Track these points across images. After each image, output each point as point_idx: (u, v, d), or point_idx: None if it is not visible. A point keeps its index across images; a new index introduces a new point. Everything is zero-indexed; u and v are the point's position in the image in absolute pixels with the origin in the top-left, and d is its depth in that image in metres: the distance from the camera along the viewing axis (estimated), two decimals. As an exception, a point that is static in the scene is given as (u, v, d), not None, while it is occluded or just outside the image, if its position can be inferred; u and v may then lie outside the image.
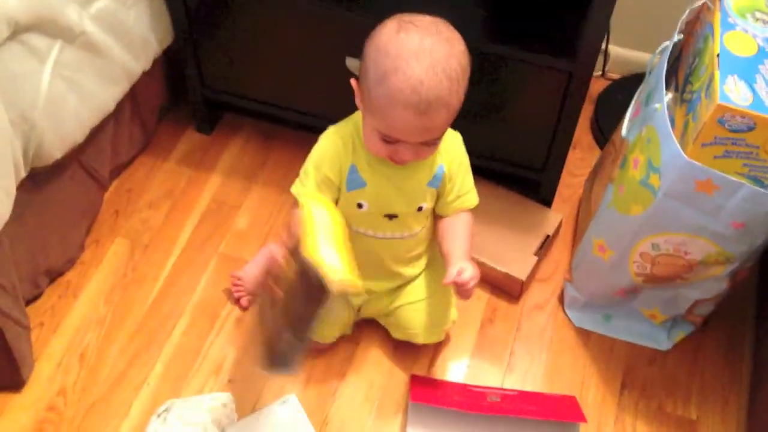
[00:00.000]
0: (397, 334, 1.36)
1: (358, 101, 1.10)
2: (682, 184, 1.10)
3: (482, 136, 1.42)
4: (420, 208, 1.20)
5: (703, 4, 1.24)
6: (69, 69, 1.30)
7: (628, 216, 1.23)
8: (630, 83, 1.56)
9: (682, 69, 1.25)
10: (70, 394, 1.32)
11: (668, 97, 1.18)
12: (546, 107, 1.38)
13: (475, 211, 1.24)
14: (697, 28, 1.25)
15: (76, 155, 1.41)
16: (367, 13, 1.34)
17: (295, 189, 1.18)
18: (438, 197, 1.22)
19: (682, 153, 1.08)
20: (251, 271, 1.43)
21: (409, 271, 1.31)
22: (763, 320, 1.40)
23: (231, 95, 1.62)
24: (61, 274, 1.46)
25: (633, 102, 1.35)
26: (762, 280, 1.47)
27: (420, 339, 1.34)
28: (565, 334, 1.44)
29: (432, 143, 1.08)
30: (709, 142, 1.05)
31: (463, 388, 1.34)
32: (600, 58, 1.75)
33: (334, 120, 1.19)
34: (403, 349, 1.38)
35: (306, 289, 1.03)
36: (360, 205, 1.18)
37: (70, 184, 1.42)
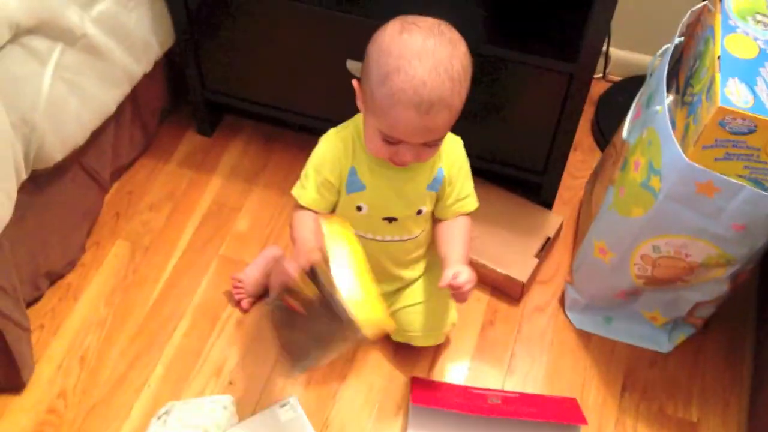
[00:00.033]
0: (397, 337, 1.36)
1: (359, 103, 1.10)
2: (683, 186, 1.10)
3: (483, 138, 1.42)
4: (419, 212, 1.20)
5: (704, 6, 1.24)
6: (70, 71, 1.30)
7: (628, 218, 1.23)
8: (631, 85, 1.56)
9: (683, 71, 1.25)
10: (70, 397, 1.32)
11: (669, 99, 1.18)
12: (547, 109, 1.38)
13: (475, 214, 1.24)
14: (697, 30, 1.25)
15: (77, 157, 1.41)
16: (368, 15, 1.34)
17: (296, 191, 1.18)
18: (437, 200, 1.22)
19: (683, 155, 1.08)
20: (252, 274, 1.43)
21: (408, 273, 1.31)
22: (764, 322, 1.40)
23: (232, 97, 1.63)
24: (61, 276, 1.46)
25: (634, 104, 1.35)
26: (763, 282, 1.46)
27: (420, 341, 1.34)
28: (566, 336, 1.44)
29: (433, 144, 1.08)
30: (710, 144, 1.05)
31: (464, 390, 1.34)
32: (601, 61, 1.76)
33: (335, 122, 1.19)
34: (404, 352, 1.38)
35: (329, 316, 1.03)
36: (359, 208, 1.18)
37: (71, 187, 1.42)
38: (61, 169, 1.36)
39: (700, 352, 1.42)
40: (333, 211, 1.21)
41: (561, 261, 1.53)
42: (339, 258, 1.03)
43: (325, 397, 1.33)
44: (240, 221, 1.57)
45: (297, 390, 1.33)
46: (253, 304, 1.44)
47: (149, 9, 1.46)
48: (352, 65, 1.40)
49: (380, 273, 1.27)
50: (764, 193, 1.06)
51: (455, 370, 1.39)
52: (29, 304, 1.39)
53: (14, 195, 1.21)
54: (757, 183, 1.07)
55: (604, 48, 1.75)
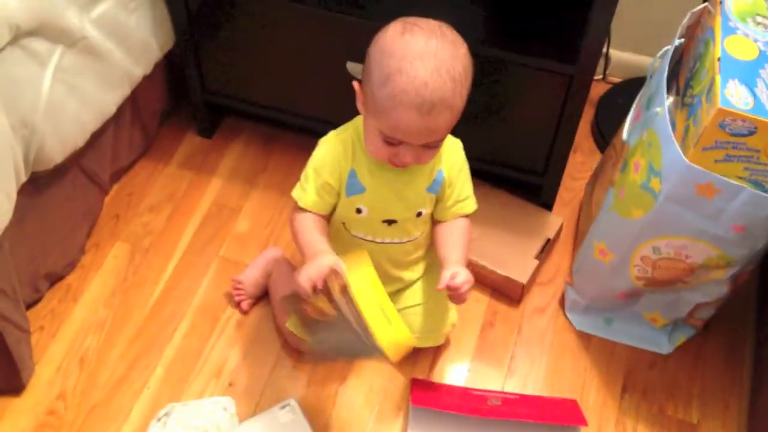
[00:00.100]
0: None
1: (359, 104, 1.10)
2: (683, 187, 1.10)
3: (483, 140, 1.42)
4: (419, 214, 1.20)
5: (704, 8, 1.24)
6: (70, 73, 1.30)
7: (628, 219, 1.23)
8: (631, 87, 1.56)
9: (683, 73, 1.25)
10: (70, 398, 1.32)
11: (669, 101, 1.18)
12: (547, 111, 1.38)
13: (475, 215, 1.24)
14: (698, 32, 1.25)
15: (76, 159, 1.41)
16: (368, 17, 1.34)
17: (296, 193, 1.18)
18: (437, 202, 1.22)
19: (683, 157, 1.08)
20: (252, 275, 1.43)
21: (408, 275, 1.31)
22: (764, 324, 1.40)
23: (232, 99, 1.63)
24: (61, 277, 1.46)
25: (634, 106, 1.35)
26: (763, 283, 1.46)
27: (420, 343, 1.34)
28: (566, 337, 1.44)
29: (434, 146, 1.08)
30: (710, 146, 1.05)
31: (464, 392, 1.34)
32: (601, 62, 1.76)
33: (335, 124, 1.19)
34: (404, 353, 1.38)
35: (349, 332, 1.05)
36: (359, 210, 1.18)
37: (71, 188, 1.42)
38: (60, 170, 1.36)
39: (700, 354, 1.42)
40: (332, 212, 1.21)
41: (561, 262, 1.53)
42: (361, 287, 1.04)
43: (325, 398, 1.33)
44: (240, 222, 1.57)
45: (297, 391, 1.33)
46: (253, 305, 1.44)
47: (149, 10, 1.46)
48: (352, 67, 1.40)
49: (380, 275, 1.27)
50: (764, 194, 1.06)
51: (455, 372, 1.39)
52: (29, 306, 1.39)
53: (14, 197, 1.21)
54: (757, 184, 1.07)
55: (604, 49, 1.75)
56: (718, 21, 1.13)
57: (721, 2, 1.16)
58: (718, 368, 1.40)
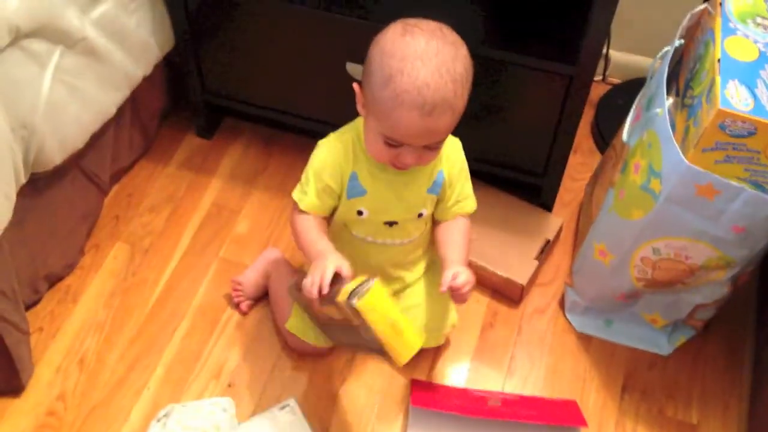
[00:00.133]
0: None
1: (359, 106, 1.10)
2: (683, 188, 1.10)
3: (483, 141, 1.42)
4: (420, 215, 1.20)
5: (704, 9, 1.24)
6: (70, 74, 1.30)
7: (628, 220, 1.23)
8: (631, 88, 1.56)
9: (683, 74, 1.25)
10: (69, 399, 1.32)
11: (669, 102, 1.18)
12: (546, 112, 1.38)
13: (475, 216, 1.24)
14: (697, 33, 1.25)
15: (76, 160, 1.41)
16: (368, 17, 1.34)
17: (297, 195, 1.18)
18: (437, 202, 1.22)
19: (683, 158, 1.08)
20: (251, 276, 1.43)
21: (408, 275, 1.31)
22: (764, 325, 1.40)
23: (232, 100, 1.63)
24: (60, 278, 1.46)
25: (634, 107, 1.35)
26: (763, 284, 1.46)
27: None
28: (566, 338, 1.44)
29: (435, 147, 1.08)
30: (710, 147, 1.05)
31: (464, 393, 1.34)
32: (601, 63, 1.76)
33: (335, 125, 1.19)
34: (404, 354, 1.38)
35: (358, 335, 1.05)
36: (360, 212, 1.18)
37: (71, 189, 1.42)
38: (60, 172, 1.36)
39: (700, 355, 1.42)
40: (332, 214, 1.21)
41: (561, 263, 1.53)
42: (365, 299, 1.04)
43: (325, 398, 1.33)
44: (239, 224, 1.57)
45: (297, 392, 1.33)
46: (252, 306, 1.44)
47: (149, 11, 1.46)
48: (351, 68, 1.40)
49: (380, 275, 1.27)
50: (764, 195, 1.06)
51: (455, 372, 1.39)
52: (28, 307, 1.39)
53: (13, 197, 1.21)
54: (757, 185, 1.07)
55: (604, 50, 1.75)
56: (718, 22, 1.13)
57: (721, 3, 1.16)
58: (718, 369, 1.40)
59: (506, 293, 1.47)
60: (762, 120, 1.00)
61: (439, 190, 1.19)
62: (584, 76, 1.30)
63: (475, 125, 1.40)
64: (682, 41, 1.28)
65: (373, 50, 1.04)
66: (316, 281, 1.04)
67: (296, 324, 1.32)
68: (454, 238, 1.21)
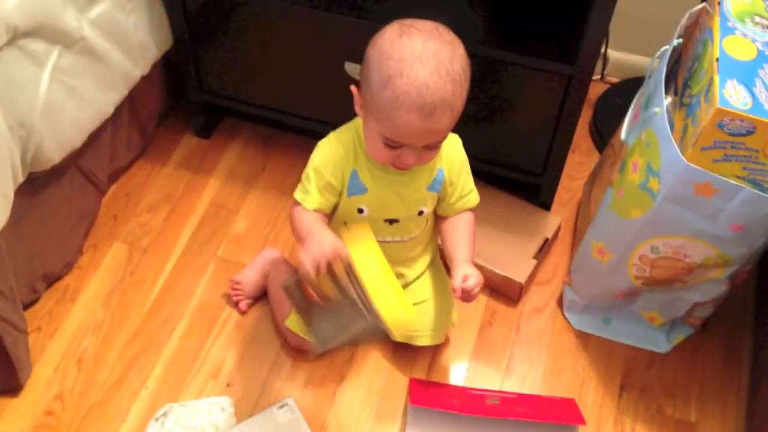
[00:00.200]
0: (396, 337, 1.36)
1: (357, 108, 1.10)
2: (682, 187, 1.10)
3: (482, 140, 1.42)
4: (420, 213, 1.20)
5: (703, 8, 1.24)
6: (68, 74, 1.30)
7: (627, 219, 1.23)
8: (629, 87, 1.56)
9: (682, 73, 1.25)
10: (68, 399, 1.32)
11: (667, 101, 1.18)
12: (545, 111, 1.39)
13: (474, 215, 1.24)
14: (696, 32, 1.25)
15: (74, 160, 1.40)
16: (366, 17, 1.34)
17: (299, 195, 1.18)
18: (439, 200, 1.22)
19: (682, 157, 1.08)
20: (250, 276, 1.43)
21: (409, 272, 1.32)
22: (762, 323, 1.40)
23: (230, 99, 1.62)
24: (59, 278, 1.46)
25: (632, 106, 1.35)
26: (761, 282, 1.47)
27: (420, 341, 1.34)
28: (564, 336, 1.44)
29: (435, 147, 1.08)
30: (709, 145, 1.05)
31: (463, 391, 1.34)
32: (599, 62, 1.76)
33: (333, 124, 1.19)
34: (403, 352, 1.38)
35: (354, 312, 1.06)
36: (360, 210, 1.18)
37: (69, 189, 1.42)
38: (58, 171, 1.35)
39: (699, 353, 1.42)
40: (333, 212, 1.21)
41: (559, 262, 1.54)
42: (364, 262, 1.04)
43: (323, 398, 1.33)
44: (238, 223, 1.57)
45: (295, 391, 1.33)
46: (251, 305, 1.44)
47: (147, 11, 1.46)
48: (350, 67, 1.40)
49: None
50: (763, 194, 1.06)
51: (454, 371, 1.39)
52: (26, 307, 1.39)
53: (11, 197, 1.21)
54: (755, 184, 1.07)
55: (603, 49, 1.75)
56: (717, 21, 1.13)
57: (719, 2, 1.16)
58: (717, 367, 1.40)
59: (505, 292, 1.47)
60: (760, 119, 1.01)
61: (439, 188, 1.19)
62: (583, 75, 1.31)
63: (474, 125, 1.40)
64: (681, 40, 1.28)
65: (371, 52, 1.04)
66: (316, 256, 1.02)
67: (296, 321, 1.32)
68: (461, 233, 1.22)
